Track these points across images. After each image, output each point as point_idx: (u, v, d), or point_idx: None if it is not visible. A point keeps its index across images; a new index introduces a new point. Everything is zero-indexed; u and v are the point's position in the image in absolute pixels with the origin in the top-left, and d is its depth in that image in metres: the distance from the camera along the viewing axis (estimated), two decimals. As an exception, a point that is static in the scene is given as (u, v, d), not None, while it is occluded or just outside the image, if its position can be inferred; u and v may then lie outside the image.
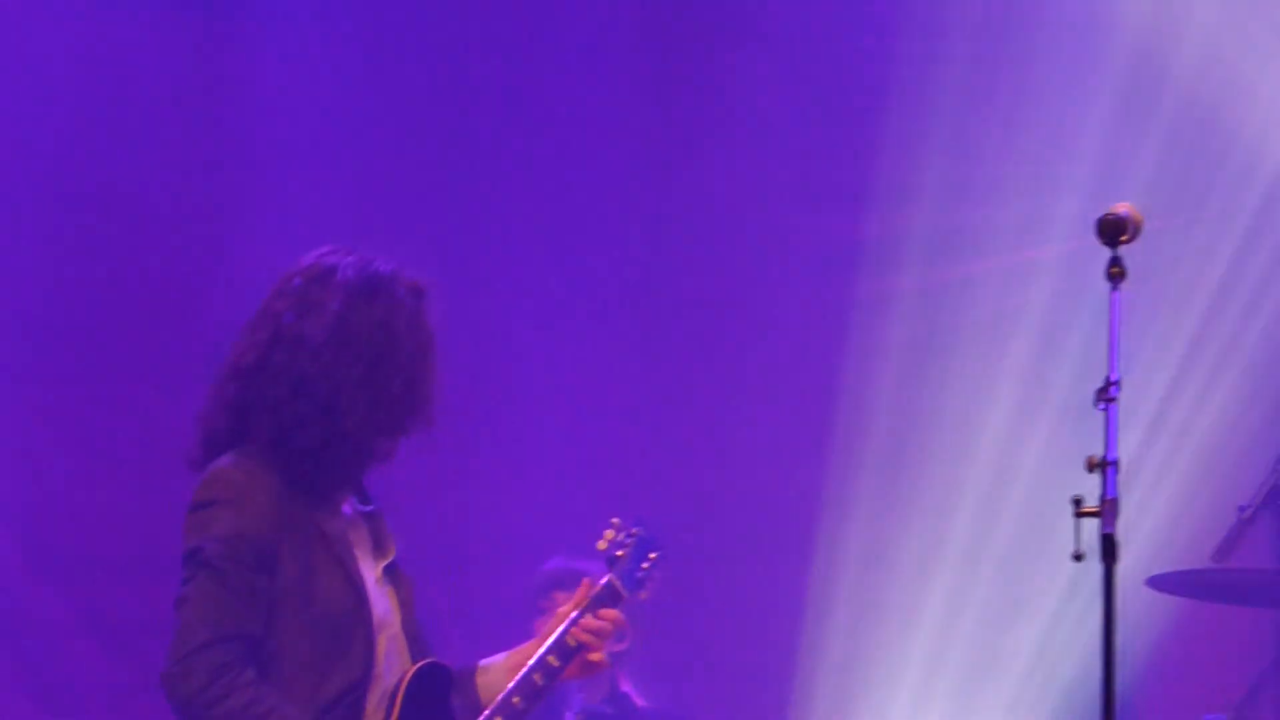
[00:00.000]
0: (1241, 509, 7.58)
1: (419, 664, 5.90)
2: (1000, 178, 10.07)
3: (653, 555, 6.27)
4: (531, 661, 6.01)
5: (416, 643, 5.98)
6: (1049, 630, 9.72)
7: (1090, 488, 5.12)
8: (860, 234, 10.30)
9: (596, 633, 6.06)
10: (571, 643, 6.03)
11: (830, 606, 10.06)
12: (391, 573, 5.96)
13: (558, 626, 6.05)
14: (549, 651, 6.02)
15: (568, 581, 8.76)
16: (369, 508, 5.96)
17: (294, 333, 5.78)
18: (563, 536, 9.62)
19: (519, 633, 8.63)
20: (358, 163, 10.52)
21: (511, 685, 6.00)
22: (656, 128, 10.73)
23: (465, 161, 10.58)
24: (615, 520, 6.27)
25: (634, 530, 6.26)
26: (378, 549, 5.94)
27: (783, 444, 10.16)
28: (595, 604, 6.11)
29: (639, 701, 8.82)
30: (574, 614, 6.06)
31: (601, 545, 6.22)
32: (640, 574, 6.22)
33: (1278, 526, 7.57)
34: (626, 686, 8.82)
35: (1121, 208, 5.40)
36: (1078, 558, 5.10)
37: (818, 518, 10.08)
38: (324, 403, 5.75)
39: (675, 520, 6.34)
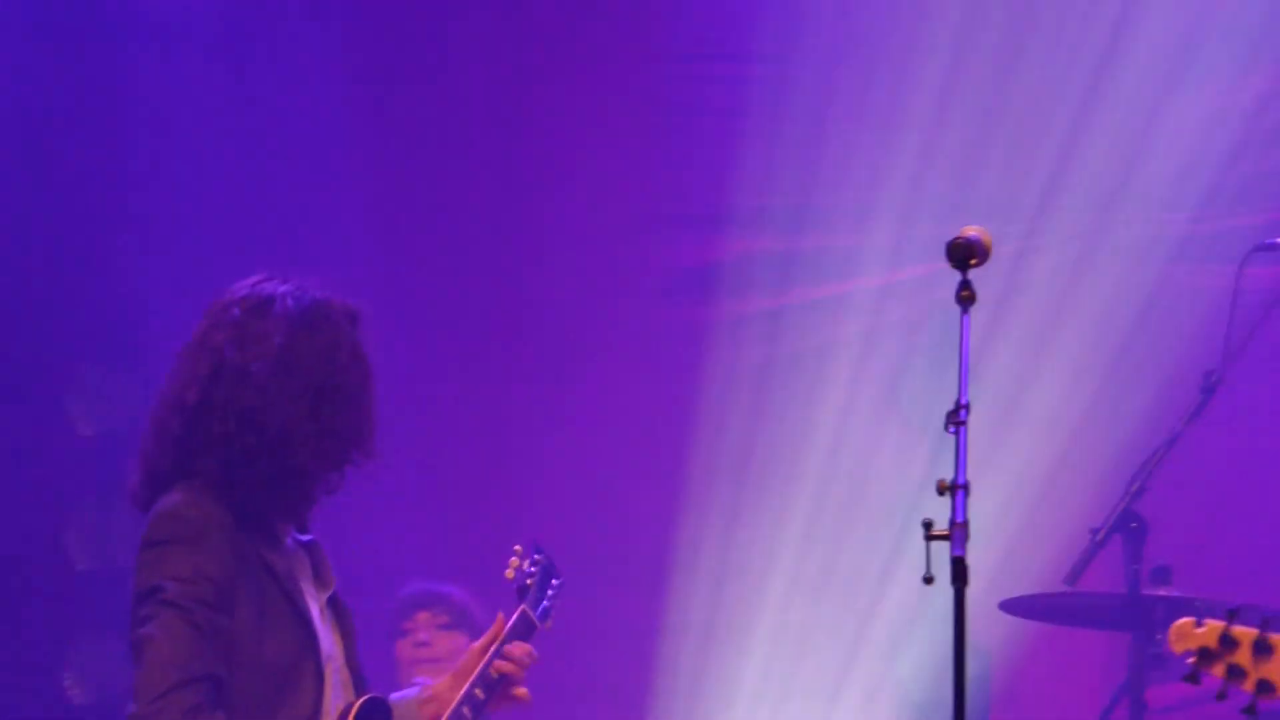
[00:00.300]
0: (1094, 532, 7.58)
1: (361, 700, 5.87)
2: (851, 203, 10.08)
3: (555, 582, 6.30)
4: (459, 696, 6.00)
5: (356, 675, 5.98)
6: (900, 652, 9.69)
7: (941, 511, 5.11)
8: (717, 257, 10.27)
9: (518, 662, 6.07)
10: (494, 675, 6.03)
11: (684, 626, 10.07)
12: (334, 605, 5.95)
13: (477, 661, 6.04)
14: (475, 685, 6.02)
15: (430, 603, 8.79)
16: (307, 539, 5.91)
17: (237, 366, 5.72)
18: (418, 559, 9.62)
19: (380, 655, 8.63)
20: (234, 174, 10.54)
21: (458, 696, 6.02)
22: (508, 153, 10.72)
23: (323, 177, 10.60)
24: (518, 548, 6.30)
25: (538, 558, 6.30)
26: (319, 581, 5.92)
27: (638, 465, 10.14)
28: (512, 635, 6.11)
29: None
30: (493, 647, 6.06)
31: (509, 574, 6.25)
32: (547, 602, 6.27)
33: (1129, 550, 7.58)
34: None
35: (971, 231, 5.39)
36: (928, 581, 5.09)
37: (671, 539, 10.07)
38: (273, 437, 5.70)
39: (531, 541, 6.29)
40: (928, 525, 5.09)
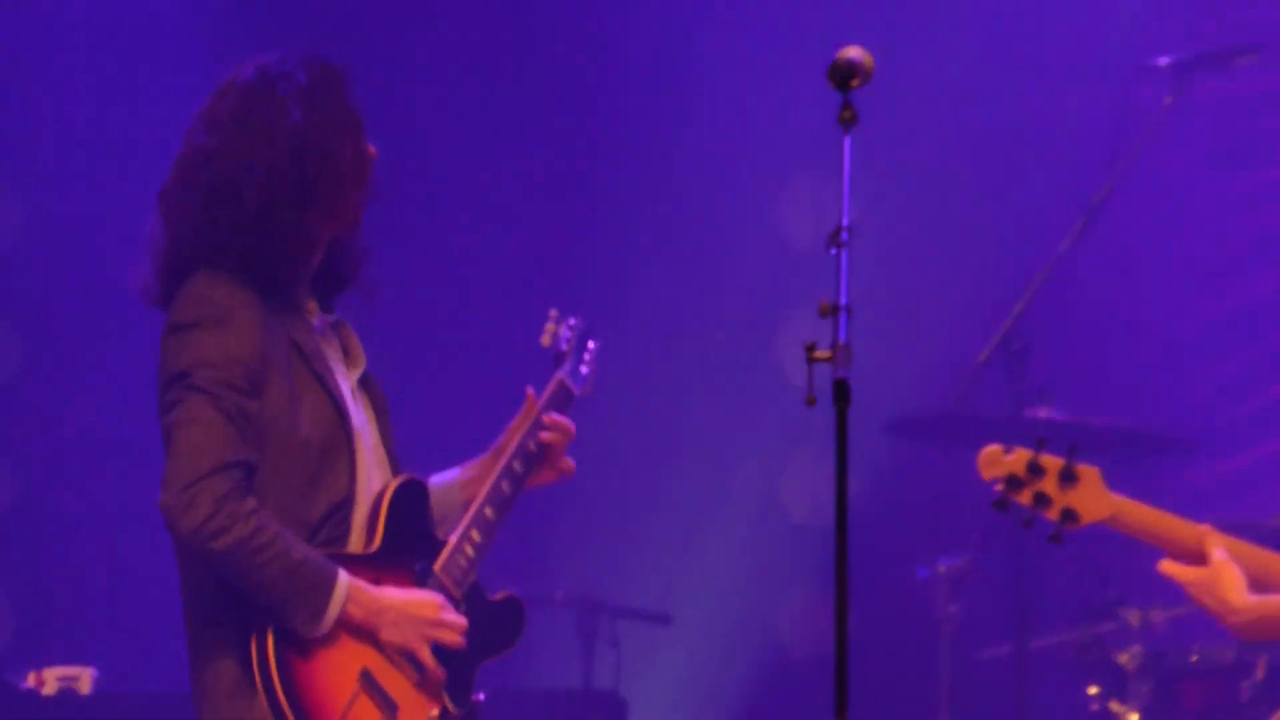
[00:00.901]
0: (978, 357, 7.64)
1: (399, 480, 5.85)
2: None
3: (592, 347, 6.24)
4: (498, 470, 5.94)
5: (390, 454, 5.95)
6: (780, 473, 9.79)
7: (824, 333, 5.12)
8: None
9: (560, 431, 6.01)
10: (533, 448, 5.95)
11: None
12: (365, 383, 5.91)
13: (514, 437, 5.97)
14: (513, 458, 5.94)
15: None
16: (333, 317, 5.88)
17: (244, 151, 5.73)
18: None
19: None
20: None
21: (481, 496, 5.93)
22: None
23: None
24: (553, 312, 6.21)
25: (573, 323, 6.22)
26: (349, 359, 5.89)
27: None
28: (549, 404, 6.04)
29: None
30: (529, 421, 5.99)
31: (544, 340, 6.17)
32: (585, 369, 6.21)
33: (1011, 374, 7.65)
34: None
35: (852, 51, 5.32)
36: (810, 402, 5.09)
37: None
38: (286, 208, 5.69)
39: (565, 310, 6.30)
40: (810, 348, 5.10)
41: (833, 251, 5.18)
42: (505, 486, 5.92)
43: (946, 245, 9.73)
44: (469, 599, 5.90)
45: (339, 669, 5.68)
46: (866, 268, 5.25)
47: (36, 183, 10.55)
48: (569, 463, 6.07)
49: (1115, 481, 8.30)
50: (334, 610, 5.59)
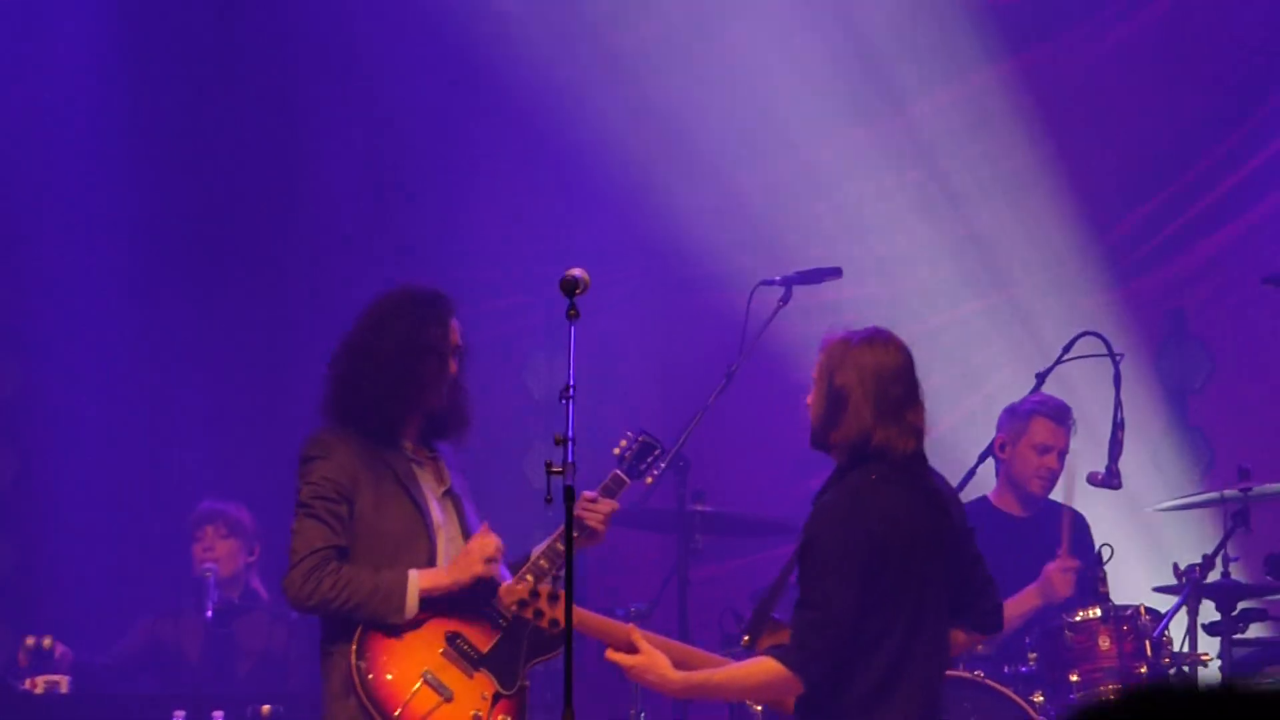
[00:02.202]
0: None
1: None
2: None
3: (656, 452, 6.28)
4: (552, 536, 6.02)
5: (468, 536, 6.07)
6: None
7: (557, 454, 5.39)
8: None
9: (598, 510, 6.06)
10: (585, 519, 6.01)
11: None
12: (450, 495, 6.10)
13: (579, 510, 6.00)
14: (555, 539, 5.99)
15: (214, 518, 8.69)
16: (432, 454, 6.12)
17: (361, 351, 6.03)
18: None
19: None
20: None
21: (538, 551, 6.04)
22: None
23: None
24: (629, 433, 6.32)
25: (640, 437, 6.29)
26: (438, 478, 6.09)
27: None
28: (603, 492, 6.14)
29: (264, 595, 8.77)
30: (588, 498, 6.05)
31: (616, 451, 6.27)
32: (643, 467, 6.26)
33: (678, 479, 7.61)
34: (255, 584, 8.77)
35: (576, 271, 5.65)
36: (549, 501, 5.37)
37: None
38: (379, 393, 5.96)
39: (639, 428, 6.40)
40: (548, 465, 5.40)
41: (563, 401, 5.52)
42: (559, 545, 5.96)
43: (633, 397, 9.63)
44: (521, 617, 5.91)
45: (404, 672, 5.79)
46: (583, 413, 5.53)
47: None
48: (598, 528, 6.06)
49: (744, 549, 8.41)
50: (412, 598, 5.80)
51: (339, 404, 6.01)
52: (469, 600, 5.93)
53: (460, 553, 5.92)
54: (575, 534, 5.68)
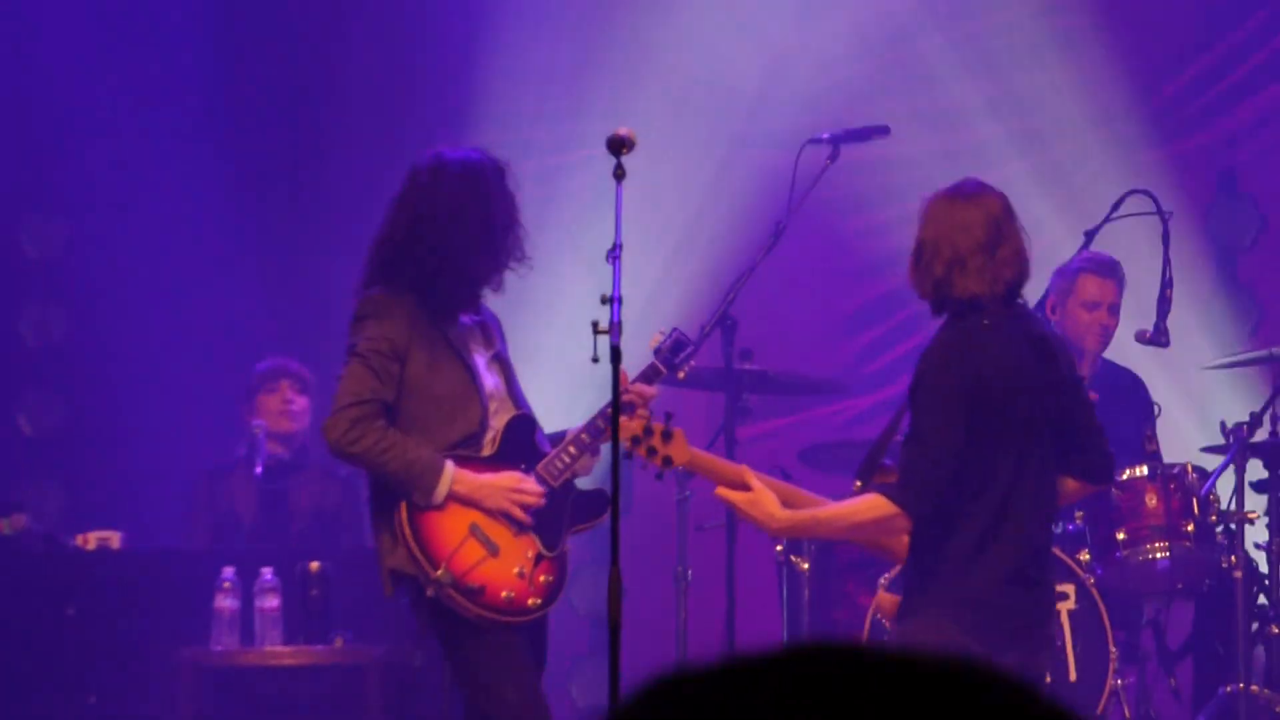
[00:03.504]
0: (702, 327, 7.41)
1: (513, 414, 6.11)
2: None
3: (689, 348, 6.42)
4: (595, 412, 6.12)
5: (519, 405, 6.16)
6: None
7: (604, 314, 5.39)
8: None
9: (639, 393, 6.10)
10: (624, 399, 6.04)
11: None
12: (497, 359, 6.15)
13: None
14: (607, 406, 5.97)
15: (290, 373, 8.70)
16: (480, 317, 6.15)
17: (417, 214, 6.00)
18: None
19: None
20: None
21: (580, 425, 6.15)
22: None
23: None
24: (661, 329, 6.42)
25: (674, 332, 6.40)
26: (486, 344, 6.13)
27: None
28: (640, 377, 6.22)
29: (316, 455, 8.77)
30: (627, 384, 6.05)
31: (650, 345, 6.35)
32: (678, 360, 6.36)
33: (725, 337, 7.53)
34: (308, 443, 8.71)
35: (622, 130, 5.65)
36: (595, 360, 5.38)
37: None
38: (441, 256, 5.96)
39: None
40: (595, 324, 5.41)
41: (609, 260, 5.53)
42: (600, 422, 6.09)
43: (678, 256, 9.66)
44: (564, 487, 6.07)
45: (452, 523, 5.87)
46: (630, 273, 5.54)
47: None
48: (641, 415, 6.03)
49: (791, 407, 8.47)
50: (443, 488, 5.83)
51: (392, 267, 6.03)
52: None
53: (505, 480, 5.98)
54: (605, 424, 5.97)
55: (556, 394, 8.40)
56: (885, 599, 6.03)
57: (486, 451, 6.01)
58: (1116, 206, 7.77)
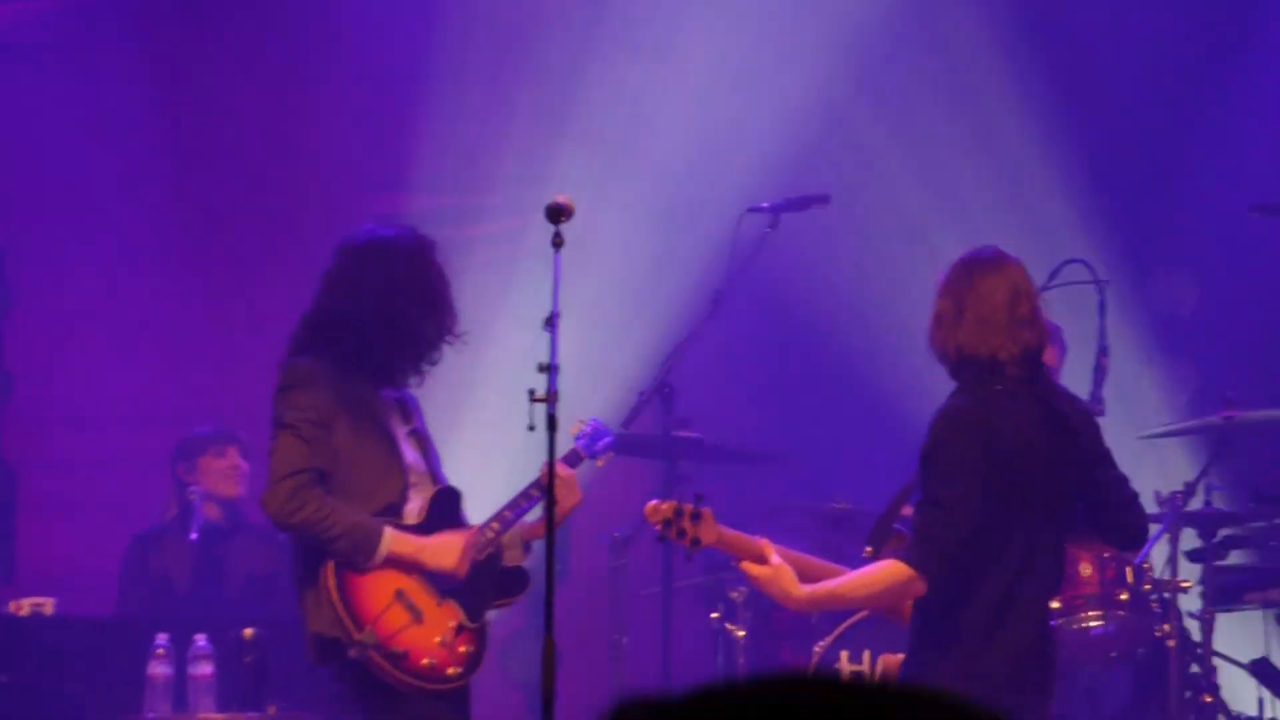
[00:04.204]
0: (641, 393, 7.64)
1: (440, 487, 6.18)
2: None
3: (607, 439, 6.50)
4: (519, 491, 6.20)
5: (437, 479, 6.23)
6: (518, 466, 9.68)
7: (541, 381, 5.40)
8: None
9: (561, 476, 6.11)
10: (544, 481, 6.05)
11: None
12: (414, 435, 6.20)
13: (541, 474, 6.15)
14: (532, 486, 6.18)
15: (235, 439, 8.70)
16: (398, 394, 6.20)
17: (343, 292, 6.09)
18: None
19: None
20: None
21: (504, 504, 6.21)
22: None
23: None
24: (580, 418, 6.50)
25: (595, 421, 6.51)
26: (405, 418, 6.18)
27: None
28: (566, 460, 6.29)
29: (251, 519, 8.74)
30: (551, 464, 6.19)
31: (572, 430, 6.43)
32: (597, 448, 6.47)
33: (663, 405, 7.61)
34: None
35: (561, 198, 5.67)
36: (531, 428, 5.39)
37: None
38: (361, 333, 6.06)
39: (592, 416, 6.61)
40: (531, 392, 5.42)
41: (546, 329, 5.54)
42: (522, 500, 6.20)
43: (616, 323, 9.67)
44: (488, 560, 6.13)
45: (379, 587, 5.92)
46: (566, 342, 5.55)
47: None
48: (569, 503, 6.16)
49: (729, 475, 8.51)
50: (383, 550, 5.87)
51: (320, 339, 6.09)
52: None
53: (444, 542, 6.05)
54: (539, 494, 6.10)
55: (494, 462, 8.38)
56: (891, 661, 6.10)
57: (412, 521, 6.07)
58: (1054, 275, 7.84)
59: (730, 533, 5.79)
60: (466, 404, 9.35)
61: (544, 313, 5.60)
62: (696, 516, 5.76)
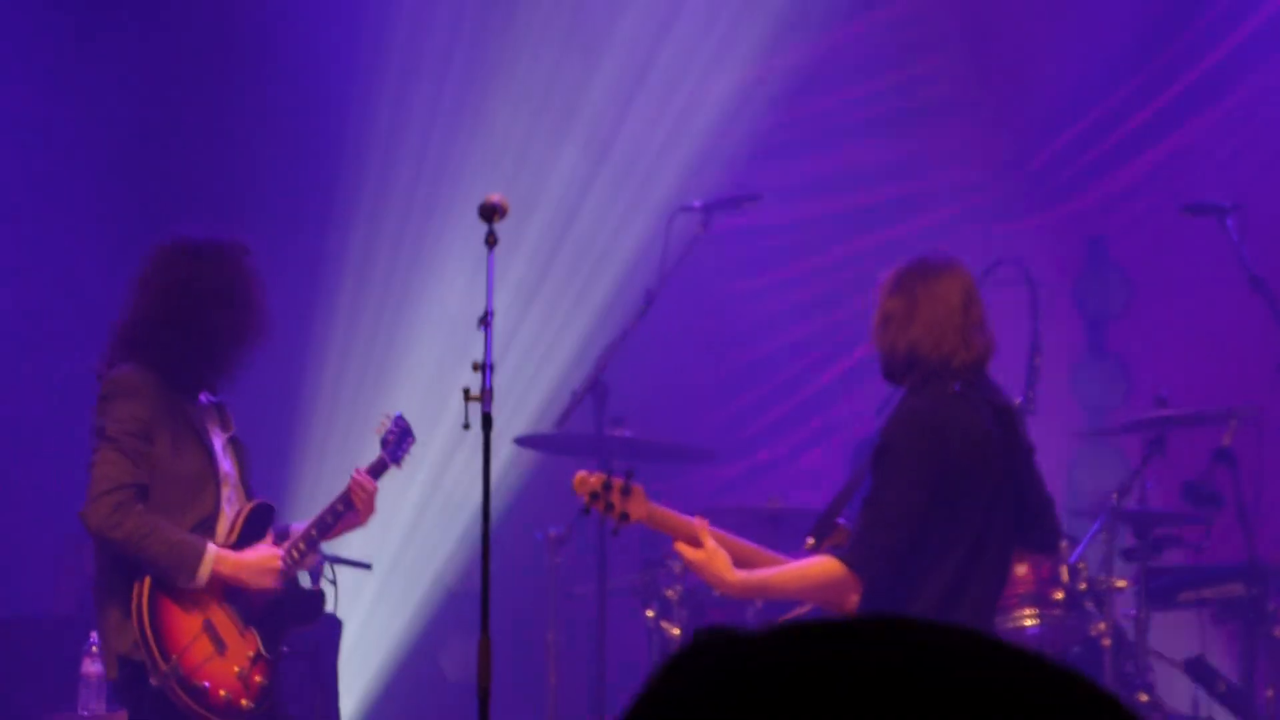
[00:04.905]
0: (574, 392, 7.64)
1: (254, 502, 6.14)
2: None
3: (410, 441, 6.43)
4: (325, 507, 6.20)
5: (249, 491, 6.19)
6: (444, 469, 9.74)
7: (475, 381, 5.38)
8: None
9: (363, 487, 6.22)
10: (352, 496, 6.18)
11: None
12: (234, 442, 6.16)
13: (343, 493, 6.22)
14: (338, 501, 6.18)
15: None
16: (216, 399, 6.16)
17: (158, 295, 6.05)
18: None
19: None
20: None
21: (311, 521, 6.20)
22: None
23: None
24: (386, 413, 6.46)
25: (398, 421, 6.42)
26: (223, 426, 6.13)
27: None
28: (372, 471, 6.27)
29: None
30: (356, 478, 6.23)
31: (378, 431, 6.40)
32: (401, 454, 6.40)
33: (597, 403, 7.63)
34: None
35: (495, 197, 5.65)
36: (466, 427, 5.37)
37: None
38: (176, 336, 6.00)
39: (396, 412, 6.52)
40: (466, 391, 5.40)
41: (481, 328, 5.52)
42: (329, 518, 6.20)
43: (554, 323, 9.64)
44: (289, 586, 6.14)
45: (188, 617, 5.89)
46: (501, 340, 5.53)
47: None
48: (364, 512, 6.25)
49: (662, 474, 8.53)
50: (205, 569, 5.83)
51: (137, 345, 6.06)
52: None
53: (263, 559, 6.06)
54: (346, 509, 6.16)
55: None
56: None
57: (222, 539, 6.06)
58: (986, 274, 7.86)
59: (662, 510, 5.73)
60: (393, 399, 9.30)
61: (476, 312, 5.58)
62: (626, 490, 5.68)
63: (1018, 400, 7.66)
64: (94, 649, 7.34)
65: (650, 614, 7.60)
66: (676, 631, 7.50)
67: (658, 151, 9.73)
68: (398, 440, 6.41)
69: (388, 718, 9.38)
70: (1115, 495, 7.48)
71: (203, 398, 6.14)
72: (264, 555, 6.06)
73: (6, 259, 9.69)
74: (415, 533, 9.71)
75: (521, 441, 8.49)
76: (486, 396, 5.35)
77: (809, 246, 9.75)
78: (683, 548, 5.60)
